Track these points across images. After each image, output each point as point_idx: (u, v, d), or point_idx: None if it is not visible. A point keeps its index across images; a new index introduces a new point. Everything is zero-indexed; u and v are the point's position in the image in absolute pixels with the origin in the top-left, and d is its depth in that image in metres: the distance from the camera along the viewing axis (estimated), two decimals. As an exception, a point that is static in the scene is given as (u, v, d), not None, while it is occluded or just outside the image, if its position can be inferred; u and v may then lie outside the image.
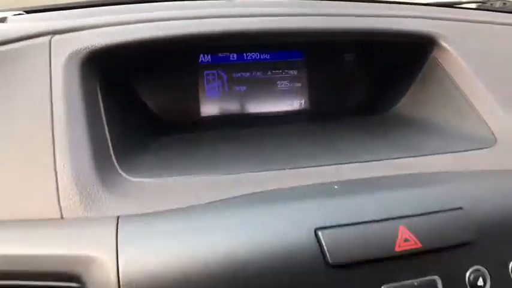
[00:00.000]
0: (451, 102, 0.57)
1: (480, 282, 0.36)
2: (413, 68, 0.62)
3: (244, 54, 0.68)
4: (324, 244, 0.33)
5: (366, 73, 0.71)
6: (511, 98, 0.53)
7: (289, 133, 0.59)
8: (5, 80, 0.42)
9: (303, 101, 0.70)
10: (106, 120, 0.44)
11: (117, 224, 0.33)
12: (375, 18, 0.57)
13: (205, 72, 0.66)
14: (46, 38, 0.44)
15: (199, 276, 0.31)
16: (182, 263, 0.31)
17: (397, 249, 0.34)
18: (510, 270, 0.37)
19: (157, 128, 0.59)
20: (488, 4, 0.95)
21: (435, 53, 0.58)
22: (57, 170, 0.37)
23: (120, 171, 0.40)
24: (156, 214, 0.35)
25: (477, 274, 0.36)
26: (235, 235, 0.33)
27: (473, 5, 0.91)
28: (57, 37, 0.44)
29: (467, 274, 0.36)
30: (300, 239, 0.33)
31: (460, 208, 0.37)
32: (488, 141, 0.50)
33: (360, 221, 0.35)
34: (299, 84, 0.70)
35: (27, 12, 0.53)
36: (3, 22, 0.49)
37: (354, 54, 0.72)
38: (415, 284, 0.34)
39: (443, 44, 0.57)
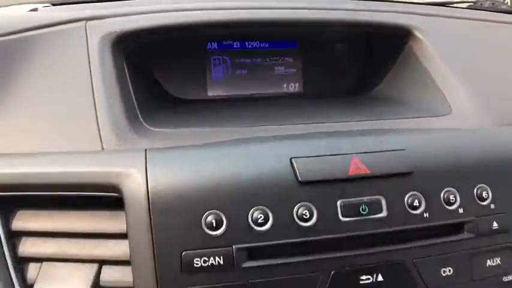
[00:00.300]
0: (420, 83, 0.66)
1: (416, 203, 0.45)
2: (393, 56, 0.71)
3: (246, 43, 0.78)
4: (296, 168, 0.43)
5: (353, 61, 0.81)
6: (471, 80, 0.62)
7: (282, 106, 0.69)
8: (50, 57, 0.53)
9: (297, 85, 0.80)
10: (132, 88, 0.55)
11: (146, 152, 0.44)
12: (362, 12, 0.67)
13: (212, 57, 0.77)
14: (82, 23, 0.56)
15: (208, 188, 0.42)
16: (195, 179, 0.42)
17: (351, 173, 0.44)
18: (441, 197, 0.46)
19: (171, 102, 0.70)
20: (478, 4, 1.04)
21: (411, 43, 0.67)
22: (99, 120, 0.48)
23: (144, 124, 0.52)
24: (175, 147, 0.46)
25: (414, 197, 0.45)
26: (235, 161, 0.44)
27: (465, 5, 1.00)
28: (91, 22, 0.56)
29: (406, 197, 0.45)
30: (281, 164, 0.44)
31: (403, 150, 0.47)
32: (445, 111, 0.59)
33: (324, 153, 0.45)
34: (294, 70, 0.81)
35: (54, 4, 0.65)
36: (35, 11, 0.61)
37: (343, 44, 0.82)
38: (365, 200, 0.44)
39: (418, 35, 0.66)
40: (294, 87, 0.81)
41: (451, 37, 0.68)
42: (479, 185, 0.47)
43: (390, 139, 0.49)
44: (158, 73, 0.73)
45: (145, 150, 0.45)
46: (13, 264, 0.44)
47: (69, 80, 0.51)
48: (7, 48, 0.52)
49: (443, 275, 0.45)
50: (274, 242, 0.42)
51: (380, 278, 0.44)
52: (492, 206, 0.48)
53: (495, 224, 0.48)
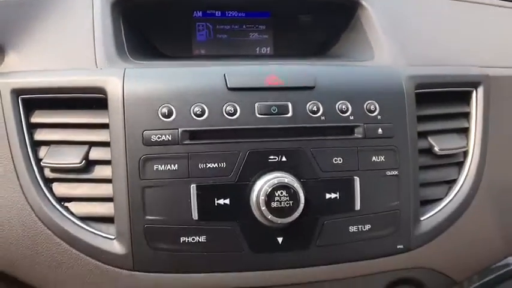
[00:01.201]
0: (360, 43, 0.82)
1: (315, 109, 0.62)
2: (345, 22, 0.88)
3: (226, 12, 0.96)
4: (227, 78, 0.61)
5: (316, 28, 0.98)
6: (397, 37, 0.77)
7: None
8: (64, 8, 0.73)
9: (268, 48, 0.98)
10: (125, 37, 0.74)
11: (125, 69, 0.63)
12: None
13: (197, 23, 0.96)
14: None
15: (164, 89, 0.60)
16: (155, 83, 0.61)
17: (266, 84, 0.62)
18: (337, 106, 0.62)
19: (158, 55, 0.89)
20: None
21: (359, 11, 0.84)
22: (96, 51, 0.68)
23: (130, 57, 0.71)
24: (145, 67, 0.65)
25: (314, 105, 0.62)
26: (185, 73, 0.63)
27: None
28: None
29: (308, 104, 0.62)
30: (215, 77, 0.62)
31: (310, 68, 0.64)
32: (369, 58, 0.76)
33: (250, 71, 0.63)
34: (266, 36, 0.98)
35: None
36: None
37: (308, 14, 0.99)
38: (275, 103, 0.61)
39: (365, 4, 0.82)
40: (265, 50, 0.98)
41: (390, 6, 0.84)
42: (369, 101, 0.64)
43: (302, 66, 0.66)
44: (150, 34, 0.92)
45: (125, 68, 0.64)
46: (31, 147, 0.63)
47: (77, 26, 0.71)
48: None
49: (334, 162, 0.62)
50: (207, 128, 0.60)
51: (284, 159, 0.61)
52: (379, 117, 0.64)
53: (380, 130, 0.64)
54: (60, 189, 0.63)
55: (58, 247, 0.61)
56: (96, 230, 0.61)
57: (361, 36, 0.82)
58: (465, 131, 0.72)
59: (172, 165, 0.60)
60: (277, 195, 0.58)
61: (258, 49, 0.98)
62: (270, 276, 0.61)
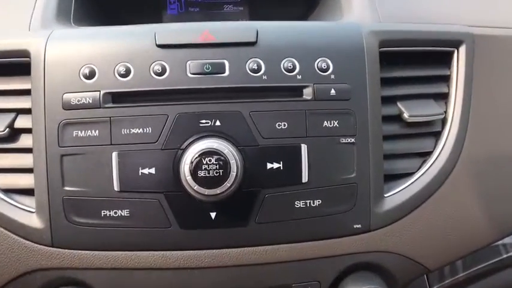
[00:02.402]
0: (334, 10, 0.74)
1: (255, 67, 0.54)
2: None
3: (198, -17, 0.91)
4: (156, 35, 0.55)
5: (291, 1, 0.90)
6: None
7: None
8: None
9: (244, 21, 0.91)
10: (78, 5, 0.70)
11: (52, 31, 0.58)
12: None
13: (168, -5, 0.90)
14: None
15: (85, 48, 0.54)
16: (77, 43, 0.55)
17: (200, 41, 0.55)
18: (281, 64, 0.55)
19: None
20: None
21: None
22: (33, 15, 0.63)
23: (72, 24, 0.66)
24: (73, 28, 0.60)
25: (254, 63, 0.54)
26: (109, 32, 0.57)
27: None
28: None
29: (248, 62, 0.54)
30: (144, 35, 0.56)
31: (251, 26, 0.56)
32: (338, 18, 0.68)
33: (183, 28, 0.57)
34: (241, 8, 0.91)
35: None
36: None
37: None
38: (209, 62, 0.54)
39: None
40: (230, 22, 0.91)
41: None
42: (320, 59, 0.55)
43: (247, 23, 0.59)
44: (119, 8, 0.88)
45: (52, 30, 0.59)
46: None
47: None
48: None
49: (278, 128, 0.54)
50: (132, 89, 0.54)
51: (218, 123, 0.53)
52: (332, 76, 0.55)
53: (333, 91, 0.55)
54: None
55: None
56: (18, 203, 0.56)
57: (335, 2, 0.73)
58: (444, 97, 0.62)
59: (93, 131, 0.54)
60: (204, 162, 0.51)
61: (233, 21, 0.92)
62: (201, 256, 0.54)
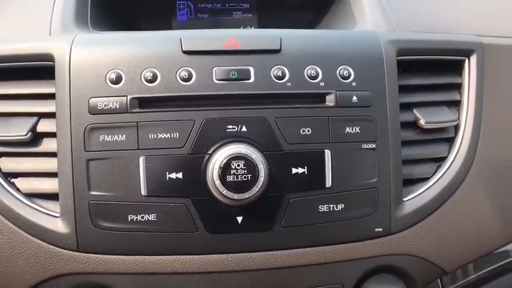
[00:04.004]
0: (346, 17, 0.75)
1: (280, 74, 0.55)
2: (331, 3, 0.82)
3: (208, -11, 0.92)
4: (182, 41, 0.56)
5: (301, 5, 0.91)
6: (382, 4, 0.71)
7: None
8: None
9: (253, 27, 0.92)
10: (94, 10, 0.70)
11: (75, 36, 0.58)
12: None
13: (177, 2, 0.91)
14: None
15: (112, 54, 0.55)
16: (103, 48, 0.56)
17: (225, 47, 0.56)
18: (305, 72, 0.56)
19: None
20: None
21: None
22: (52, 20, 0.63)
23: (90, 28, 0.66)
24: (96, 34, 0.60)
25: (279, 70, 0.56)
26: (135, 38, 0.58)
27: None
28: None
29: (272, 69, 0.56)
30: (170, 40, 0.57)
31: (277, 35, 0.58)
32: (351, 27, 0.69)
33: (208, 34, 0.58)
34: (250, 15, 0.93)
35: None
36: None
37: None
38: (235, 68, 0.55)
39: None
40: (249, 29, 0.93)
41: None
42: (342, 66, 0.57)
43: (270, 30, 0.60)
44: (131, 14, 0.88)
45: (76, 35, 0.59)
46: None
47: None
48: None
49: (302, 133, 0.55)
50: (159, 95, 0.54)
51: (244, 129, 0.54)
52: (354, 84, 0.57)
53: (355, 98, 0.57)
54: (6, 163, 0.58)
55: (2, 227, 0.56)
56: (41, 207, 0.56)
57: (346, 9, 0.75)
58: (457, 105, 0.64)
59: (120, 136, 0.54)
60: (233, 167, 0.52)
61: (242, 28, 0.93)
62: (227, 260, 0.55)
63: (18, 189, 0.57)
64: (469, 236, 0.61)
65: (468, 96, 0.64)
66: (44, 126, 0.58)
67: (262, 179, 0.52)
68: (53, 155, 0.57)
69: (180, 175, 0.54)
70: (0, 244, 0.56)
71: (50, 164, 0.57)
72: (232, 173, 0.52)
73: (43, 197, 0.57)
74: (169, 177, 0.54)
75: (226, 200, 0.53)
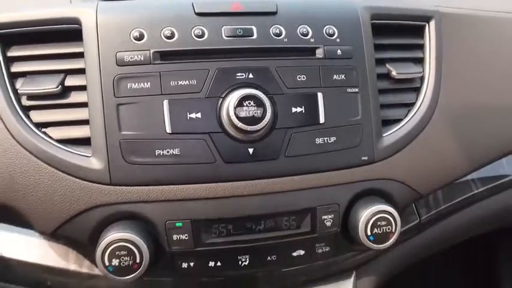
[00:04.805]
0: None
1: (278, 32, 0.66)
2: None
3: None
4: (194, 5, 0.65)
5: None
6: None
7: None
8: None
9: None
10: None
11: (98, 3, 0.67)
12: None
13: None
14: None
15: (134, 13, 0.64)
16: (126, 9, 0.65)
17: (231, 9, 0.66)
18: (298, 30, 0.67)
19: None
20: None
21: None
22: None
23: None
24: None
25: (277, 28, 0.66)
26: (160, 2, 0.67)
27: None
28: None
29: (271, 28, 0.66)
30: (187, 4, 0.66)
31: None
32: None
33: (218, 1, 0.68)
34: None
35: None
36: None
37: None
38: (241, 27, 0.65)
39: None
40: None
41: None
42: (327, 26, 0.69)
43: None
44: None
45: (98, 2, 0.68)
46: (8, 78, 0.66)
47: None
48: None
49: (298, 80, 0.66)
50: (177, 48, 0.64)
51: (251, 76, 0.65)
52: (338, 40, 0.69)
53: (339, 52, 0.68)
54: (37, 116, 0.65)
55: (36, 166, 0.62)
56: (73, 150, 0.64)
57: None
58: (421, 61, 0.78)
59: (145, 83, 0.63)
60: (245, 104, 0.62)
61: None
62: (242, 186, 0.64)
63: (50, 137, 0.64)
64: (438, 165, 0.74)
65: (430, 54, 0.77)
66: (71, 81, 0.65)
67: (269, 114, 0.62)
68: (81, 105, 0.65)
69: (199, 115, 0.63)
70: (36, 183, 0.63)
71: (79, 114, 0.64)
72: (245, 109, 0.61)
73: (73, 142, 0.64)
74: (189, 117, 0.63)
75: (240, 134, 0.63)
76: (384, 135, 0.71)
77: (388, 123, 0.73)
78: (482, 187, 0.84)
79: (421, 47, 0.78)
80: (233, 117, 0.61)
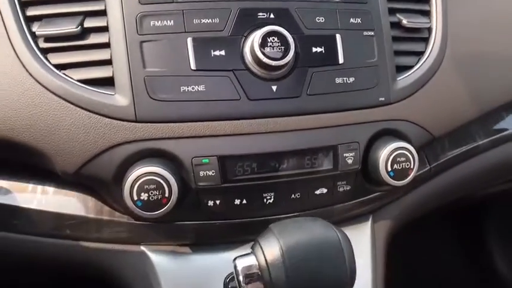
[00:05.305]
0: None
1: None
2: None
3: None
4: None
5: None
6: None
7: None
8: None
9: None
10: None
11: None
12: None
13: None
14: None
15: None
16: None
17: None
18: None
19: None
20: None
21: None
22: None
23: None
24: None
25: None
26: None
27: None
28: None
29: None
30: None
31: None
32: None
33: None
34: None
35: None
36: None
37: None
38: None
39: None
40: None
41: None
42: None
43: None
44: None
45: None
46: (24, 21, 0.64)
47: None
48: None
49: (317, 21, 0.68)
50: None
51: (272, 16, 0.65)
52: None
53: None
54: (56, 58, 0.64)
55: (58, 105, 0.61)
56: (96, 89, 0.63)
57: None
58: (428, 14, 0.81)
59: (168, 21, 0.63)
60: (269, 41, 0.63)
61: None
62: (265, 123, 0.65)
63: (71, 78, 0.63)
64: (449, 108, 0.76)
65: (436, 6, 0.80)
66: (91, 22, 0.65)
67: (292, 51, 0.63)
68: (102, 46, 0.64)
69: (223, 52, 0.63)
70: (59, 122, 0.61)
71: (100, 55, 0.64)
72: (269, 45, 0.62)
73: (95, 83, 0.64)
74: (213, 54, 0.63)
75: (263, 71, 0.63)
76: (398, 79, 0.73)
77: (401, 69, 0.75)
78: (486, 139, 0.88)
79: (427, 1, 0.81)
80: (258, 53, 0.62)
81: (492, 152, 0.89)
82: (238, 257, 0.55)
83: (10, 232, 0.70)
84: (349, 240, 0.55)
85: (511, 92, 0.84)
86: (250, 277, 0.53)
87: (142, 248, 0.70)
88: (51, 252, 0.71)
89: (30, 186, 0.70)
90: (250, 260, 0.53)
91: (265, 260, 0.51)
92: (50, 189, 0.70)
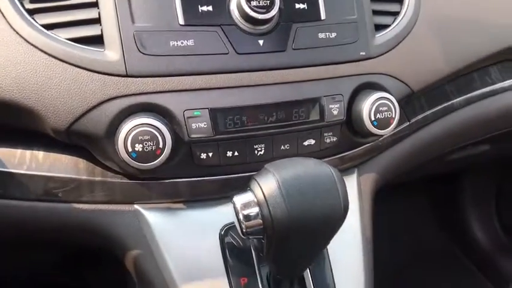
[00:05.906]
0: None
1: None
2: None
3: None
4: None
5: None
6: None
7: None
8: None
9: None
10: None
11: None
12: None
13: None
14: None
15: None
16: None
17: None
18: None
19: None
20: None
21: None
22: None
23: None
24: None
25: None
26: None
27: None
28: None
29: None
30: None
31: None
32: None
33: None
34: None
35: None
36: None
37: None
38: None
39: None
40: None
41: None
42: None
43: None
44: None
45: None
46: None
47: None
48: None
49: None
50: None
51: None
52: None
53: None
54: (43, 18, 0.64)
55: (47, 63, 0.61)
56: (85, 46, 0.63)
57: None
58: None
59: None
60: None
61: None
62: (253, 76, 0.67)
63: (59, 36, 0.64)
64: (425, 64, 0.81)
65: None
66: None
67: (277, 5, 0.65)
68: (89, 5, 0.65)
69: (210, 8, 0.65)
70: (49, 80, 0.62)
71: (87, 14, 0.64)
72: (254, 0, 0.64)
73: (83, 41, 0.64)
74: (201, 9, 0.65)
75: (250, 26, 0.66)
76: (377, 36, 0.76)
77: (378, 28, 0.78)
78: (459, 97, 0.93)
79: None
80: (245, 7, 0.64)
81: (465, 110, 0.95)
82: (235, 194, 0.57)
83: (2, 199, 0.70)
84: (341, 176, 0.57)
85: (480, 52, 0.89)
86: (248, 216, 0.55)
87: (136, 206, 0.71)
88: (45, 217, 0.71)
89: (19, 151, 0.70)
90: (248, 197, 0.55)
91: (263, 194, 0.53)
92: (40, 153, 0.70)
